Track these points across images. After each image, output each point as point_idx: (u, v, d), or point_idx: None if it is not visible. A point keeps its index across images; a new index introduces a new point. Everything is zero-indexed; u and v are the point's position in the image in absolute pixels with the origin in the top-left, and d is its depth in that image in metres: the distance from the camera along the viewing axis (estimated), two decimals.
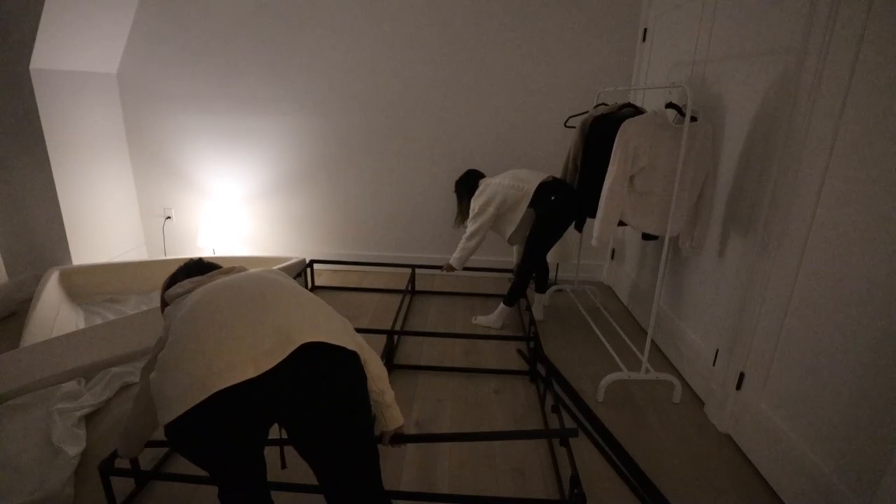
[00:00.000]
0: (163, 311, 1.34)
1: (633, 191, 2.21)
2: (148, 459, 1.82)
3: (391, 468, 1.84)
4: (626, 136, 2.09)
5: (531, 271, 2.87)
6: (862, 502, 1.40)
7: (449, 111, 3.55)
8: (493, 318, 2.98)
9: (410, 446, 1.96)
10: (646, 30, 3.23)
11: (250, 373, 1.01)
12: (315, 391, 1.08)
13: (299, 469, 1.77)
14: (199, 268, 1.41)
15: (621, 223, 2.30)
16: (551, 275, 3.76)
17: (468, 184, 2.99)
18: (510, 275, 3.53)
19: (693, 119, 2.09)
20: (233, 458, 1.11)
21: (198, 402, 0.98)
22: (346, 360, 1.15)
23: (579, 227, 2.87)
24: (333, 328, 1.17)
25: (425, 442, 1.73)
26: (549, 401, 2.17)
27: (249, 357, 1.03)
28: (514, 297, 2.92)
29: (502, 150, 3.62)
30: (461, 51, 3.42)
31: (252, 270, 1.33)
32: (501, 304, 2.96)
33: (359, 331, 1.44)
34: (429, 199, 3.76)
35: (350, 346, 1.17)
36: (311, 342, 1.09)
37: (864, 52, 1.48)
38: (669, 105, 2.22)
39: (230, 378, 1.00)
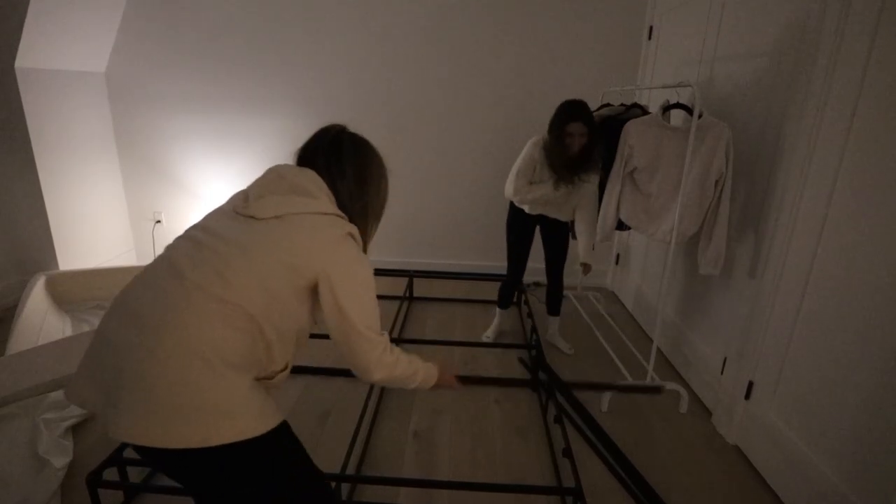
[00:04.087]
0: None
1: (638, 191, 2.18)
2: (137, 472, 1.78)
3: (390, 473, 1.83)
4: (625, 135, 2.14)
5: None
6: None
7: (449, 111, 3.50)
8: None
9: (409, 452, 1.93)
10: (651, 27, 3.19)
11: None
12: None
13: None
14: None
15: (627, 227, 2.25)
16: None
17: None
18: None
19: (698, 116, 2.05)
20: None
21: None
22: None
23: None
24: None
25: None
26: (552, 411, 2.12)
27: None
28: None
29: (504, 150, 3.55)
30: (462, 49, 3.37)
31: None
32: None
33: None
34: (427, 202, 3.70)
35: None
36: None
37: (877, 48, 1.44)
38: (674, 105, 2.17)
39: None
